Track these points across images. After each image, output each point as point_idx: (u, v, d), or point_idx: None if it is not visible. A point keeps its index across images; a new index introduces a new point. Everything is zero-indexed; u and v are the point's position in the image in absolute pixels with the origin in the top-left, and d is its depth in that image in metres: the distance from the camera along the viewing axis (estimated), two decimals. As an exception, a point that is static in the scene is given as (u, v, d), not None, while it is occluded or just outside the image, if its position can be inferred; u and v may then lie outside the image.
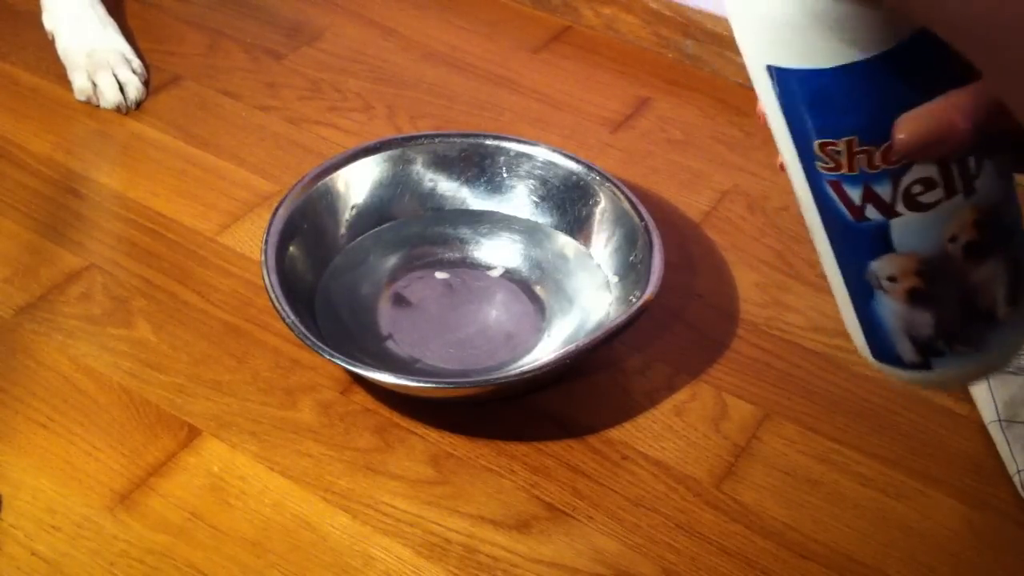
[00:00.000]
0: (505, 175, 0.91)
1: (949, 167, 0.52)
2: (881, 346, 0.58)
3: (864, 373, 0.84)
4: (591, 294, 0.85)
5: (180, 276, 0.88)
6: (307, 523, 0.72)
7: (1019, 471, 0.74)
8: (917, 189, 0.53)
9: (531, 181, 0.90)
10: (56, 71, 1.06)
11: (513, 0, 1.20)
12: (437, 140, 0.91)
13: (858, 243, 0.56)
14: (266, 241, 0.82)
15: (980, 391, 0.80)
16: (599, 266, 0.87)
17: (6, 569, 0.69)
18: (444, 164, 0.91)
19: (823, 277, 0.94)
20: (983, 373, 0.57)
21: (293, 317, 0.77)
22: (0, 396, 0.79)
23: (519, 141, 0.91)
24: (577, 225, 0.89)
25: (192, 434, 0.77)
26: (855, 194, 0.53)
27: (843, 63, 0.50)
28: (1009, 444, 0.76)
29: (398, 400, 0.79)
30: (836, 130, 0.53)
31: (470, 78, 1.10)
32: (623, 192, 0.86)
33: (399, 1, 1.19)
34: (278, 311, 0.77)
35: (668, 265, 0.81)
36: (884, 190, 0.53)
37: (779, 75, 0.52)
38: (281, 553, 0.71)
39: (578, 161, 0.89)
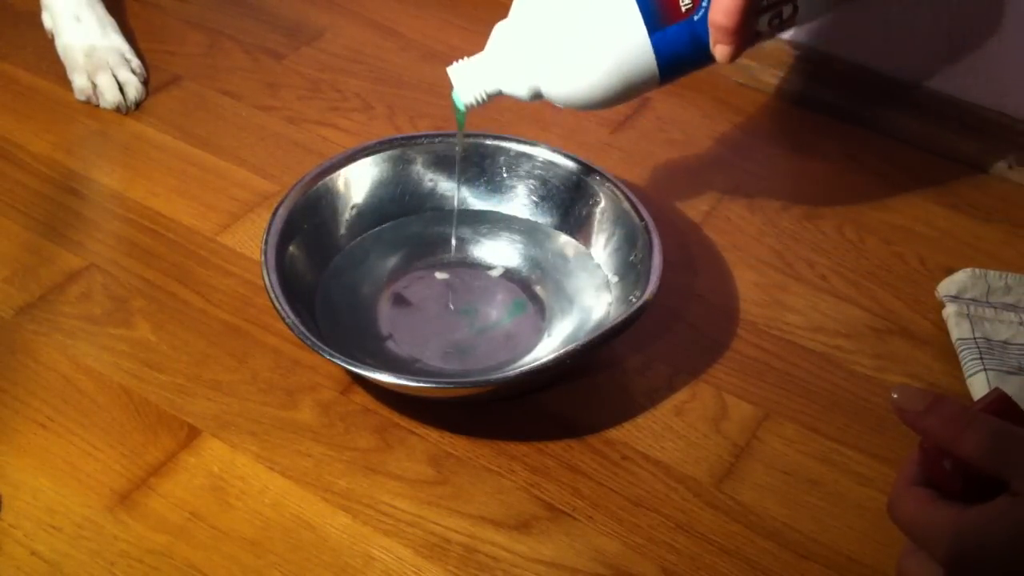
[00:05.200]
0: (505, 175, 0.91)
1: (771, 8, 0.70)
2: None
3: (864, 373, 0.84)
4: (591, 294, 0.85)
5: (180, 276, 0.88)
6: (307, 523, 0.72)
7: (1019, 471, 0.74)
8: (776, 21, 0.71)
9: (531, 181, 0.90)
10: (56, 71, 1.06)
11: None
12: (437, 140, 0.91)
13: None
14: (266, 241, 0.82)
15: (980, 391, 0.80)
16: (599, 266, 0.87)
17: (6, 569, 0.69)
18: (444, 164, 0.91)
19: (823, 277, 0.95)
20: None
21: (293, 317, 0.77)
22: (0, 396, 0.79)
23: (519, 141, 0.91)
24: (577, 225, 0.89)
25: (192, 434, 0.77)
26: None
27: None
28: (1009, 444, 0.76)
29: (398, 400, 0.79)
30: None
31: (470, 78, 1.10)
32: (623, 192, 0.86)
33: (399, 1, 1.19)
34: (278, 311, 0.77)
35: (668, 265, 0.81)
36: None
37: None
38: (281, 553, 0.71)
39: (578, 161, 0.89)
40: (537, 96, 0.72)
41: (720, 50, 0.70)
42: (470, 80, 0.72)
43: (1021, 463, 0.49)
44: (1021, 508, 0.49)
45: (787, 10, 0.69)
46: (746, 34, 0.68)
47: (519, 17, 0.71)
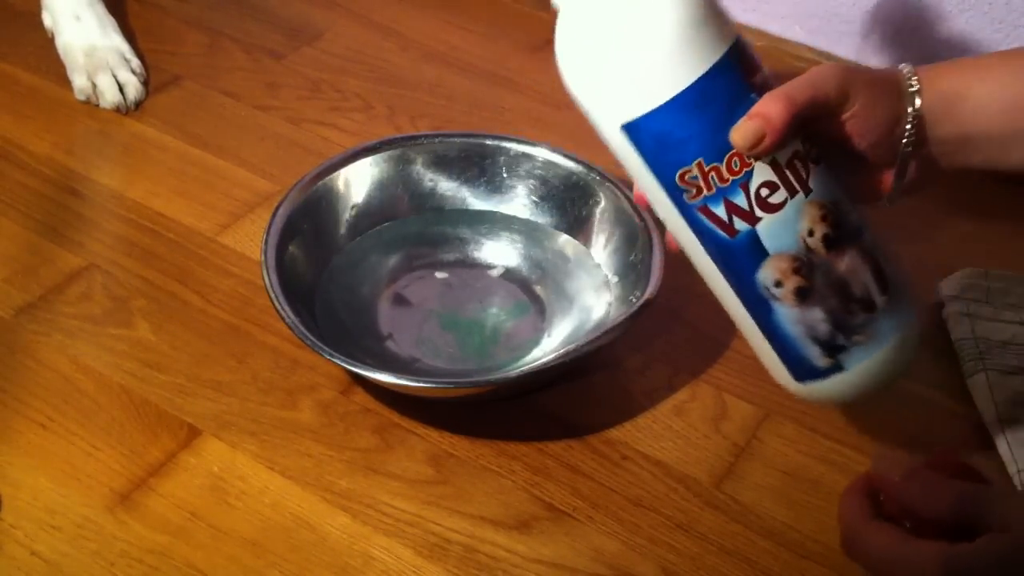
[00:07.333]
0: (505, 175, 0.91)
1: (784, 170, 0.62)
2: (796, 364, 0.66)
3: (864, 373, 0.84)
4: (591, 294, 0.85)
5: (180, 276, 0.88)
6: (307, 523, 0.72)
7: (1019, 471, 0.75)
8: (765, 192, 0.62)
9: (531, 181, 0.90)
10: (56, 71, 1.06)
11: (513, 0, 1.20)
12: (437, 140, 0.91)
13: (741, 258, 0.64)
14: (266, 241, 0.82)
15: (980, 391, 0.80)
16: (599, 266, 0.87)
17: (6, 569, 0.69)
18: (444, 164, 0.91)
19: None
20: (895, 368, 0.67)
21: (293, 317, 0.77)
22: (0, 396, 0.79)
23: (519, 141, 0.91)
24: (577, 225, 0.89)
25: (192, 434, 0.77)
26: (720, 211, 0.63)
27: (673, 95, 0.61)
28: (1009, 444, 0.76)
29: (398, 400, 0.79)
30: (687, 156, 0.64)
31: (470, 78, 1.10)
32: (623, 192, 0.86)
33: (399, 1, 1.19)
34: (278, 311, 0.78)
35: (668, 265, 0.81)
36: (740, 200, 0.63)
37: (631, 129, 0.64)
38: (281, 553, 0.71)
39: (578, 161, 0.89)
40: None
41: (746, 127, 0.62)
42: None
43: (991, 513, 0.56)
44: (1005, 542, 0.54)
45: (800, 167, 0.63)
46: (783, 125, 0.62)
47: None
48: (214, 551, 0.70)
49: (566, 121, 1.05)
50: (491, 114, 1.06)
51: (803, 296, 0.65)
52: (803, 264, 0.64)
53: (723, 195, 0.63)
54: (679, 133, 0.63)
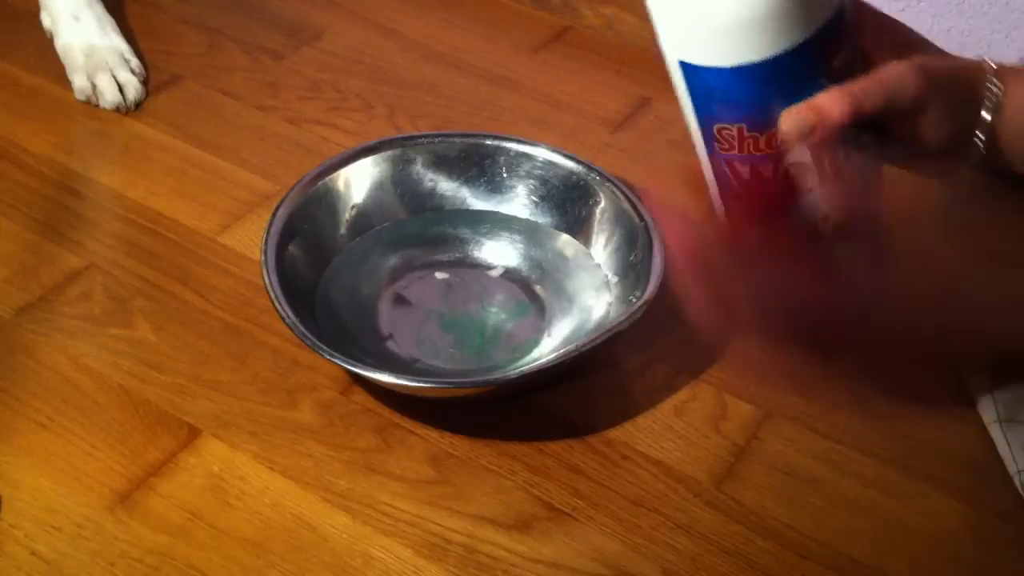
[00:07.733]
0: (505, 175, 0.91)
1: (822, 156, 0.60)
2: None
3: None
4: (591, 294, 0.85)
5: (180, 276, 0.88)
6: (307, 523, 0.72)
7: (1019, 471, 0.74)
8: (793, 171, 0.61)
9: (531, 181, 0.91)
10: (56, 71, 1.06)
11: (513, 0, 1.20)
12: (437, 140, 0.91)
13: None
14: (266, 241, 0.82)
15: (980, 391, 0.80)
16: (599, 266, 0.87)
17: (6, 569, 0.69)
18: (444, 164, 0.91)
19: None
20: None
21: (293, 317, 0.77)
22: (0, 396, 0.79)
23: (519, 141, 0.91)
24: (577, 225, 0.89)
25: (192, 434, 0.77)
26: (744, 171, 0.63)
27: (736, 65, 0.59)
28: (1009, 444, 0.76)
29: (398, 400, 0.79)
30: (730, 118, 0.62)
31: (470, 78, 1.10)
32: (623, 192, 0.86)
33: (399, 1, 1.19)
34: (278, 311, 0.78)
35: (668, 265, 0.81)
36: (766, 170, 0.62)
37: (687, 70, 0.60)
38: (281, 553, 0.71)
39: (578, 161, 0.89)
40: None
41: (798, 118, 0.60)
42: None
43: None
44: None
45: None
46: (838, 126, 0.59)
47: None
48: (214, 551, 0.70)
49: (566, 121, 1.05)
50: (491, 114, 1.06)
51: None
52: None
53: (752, 161, 0.62)
54: (731, 96, 0.61)
